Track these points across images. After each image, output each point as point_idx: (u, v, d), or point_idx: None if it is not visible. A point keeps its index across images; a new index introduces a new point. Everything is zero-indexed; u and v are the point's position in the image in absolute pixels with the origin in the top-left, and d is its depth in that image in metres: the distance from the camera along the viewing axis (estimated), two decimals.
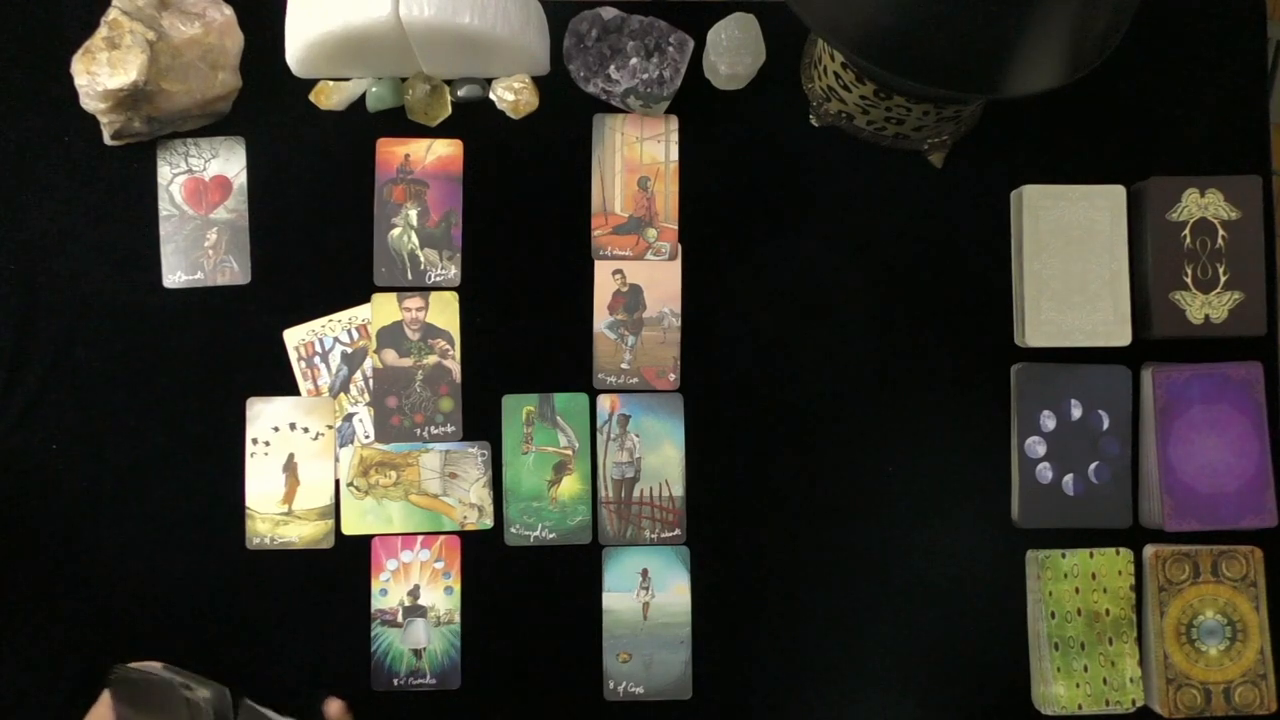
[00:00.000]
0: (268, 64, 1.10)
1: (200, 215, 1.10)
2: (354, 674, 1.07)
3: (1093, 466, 1.08)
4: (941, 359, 1.11)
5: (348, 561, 1.08)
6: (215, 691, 0.97)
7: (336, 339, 1.09)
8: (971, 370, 1.11)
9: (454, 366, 1.10)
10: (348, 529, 1.08)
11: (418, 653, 1.07)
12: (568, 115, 1.11)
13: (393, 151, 1.11)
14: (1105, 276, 1.08)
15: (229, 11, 1.08)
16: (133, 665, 0.99)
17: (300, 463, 1.08)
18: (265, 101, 1.11)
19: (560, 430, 1.09)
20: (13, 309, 1.09)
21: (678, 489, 1.09)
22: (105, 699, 0.96)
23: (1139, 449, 1.09)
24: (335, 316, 1.10)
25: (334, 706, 1.03)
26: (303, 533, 1.08)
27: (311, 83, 1.10)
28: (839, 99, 1.07)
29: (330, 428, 1.09)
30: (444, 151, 1.11)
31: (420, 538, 1.08)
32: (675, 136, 1.11)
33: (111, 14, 1.03)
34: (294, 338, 1.09)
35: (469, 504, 1.09)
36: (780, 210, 1.12)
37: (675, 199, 1.11)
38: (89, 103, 1.04)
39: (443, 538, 1.08)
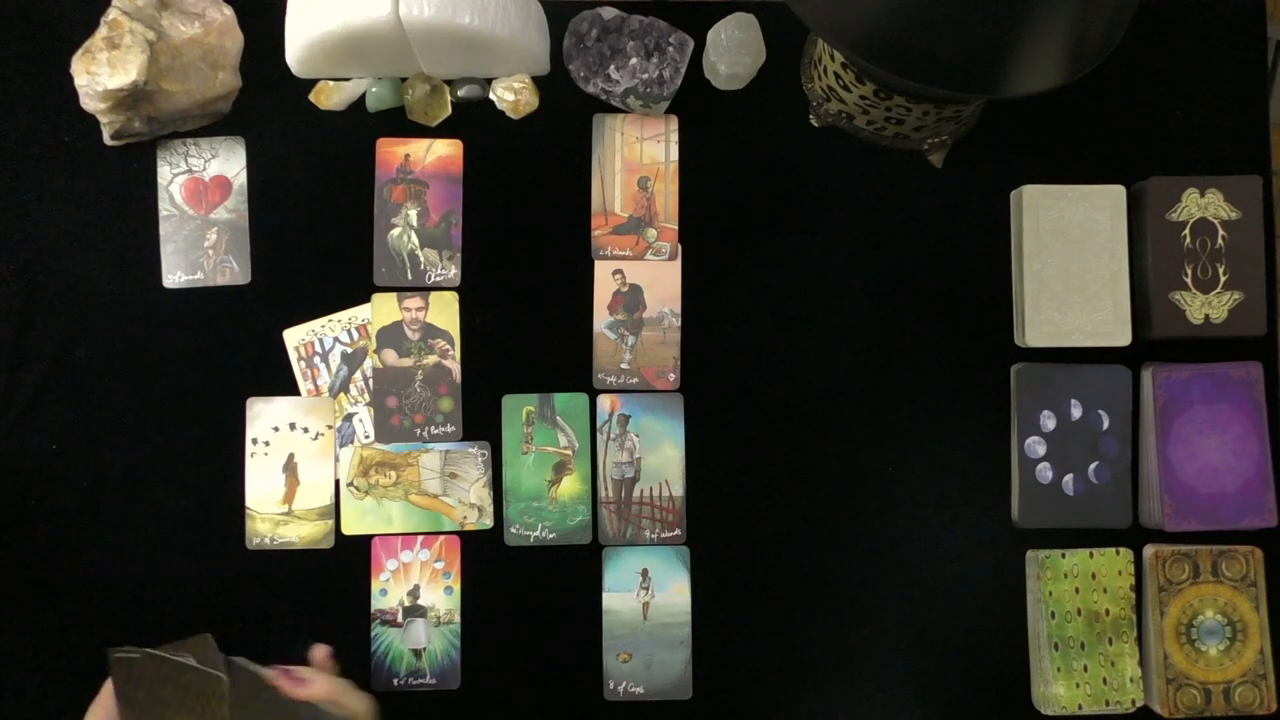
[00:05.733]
0: (268, 64, 1.10)
1: (200, 215, 1.10)
2: (354, 674, 1.07)
3: (1093, 466, 1.08)
4: (941, 359, 1.11)
5: (348, 561, 1.08)
6: (198, 647, 0.94)
7: (336, 339, 1.09)
8: (971, 370, 1.11)
9: (454, 366, 1.10)
10: (348, 529, 1.08)
11: (418, 653, 1.07)
12: (568, 115, 1.11)
13: (393, 151, 1.11)
14: (1105, 276, 1.08)
15: (229, 11, 1.08)
16: (124, 649, 0.98)
17: (300, 463, 1.08)
18: (265, 101, 1.11)
19: (560, 430, 1.09)
20: (13, 309, 1.08)
21: (678, 489, 1.09)
22: (108, 686, 0.96)
23: (1139, 449, 1.09)
24: (335, 316, 1.10)
25: (319, 652, 1.00)
26: (303, 533, 1.08)
27: (311, 83, 1.10)
28: (839, 99, 1.07)
29: (330, 428, 1.09)
30: (444, 151, 1.11)
31: (420, 538, 1.08)
32: (675, 136, 1.11)
33: (111, 14, 1.03)
34: (294, 338, 1.09)
35: (469, 504, 1.09)
36: (780, 210, 1.12)
37: (675, 199, 1.11)
38: (89, 103, 1.04)
39: (443, 538, 1.08)
